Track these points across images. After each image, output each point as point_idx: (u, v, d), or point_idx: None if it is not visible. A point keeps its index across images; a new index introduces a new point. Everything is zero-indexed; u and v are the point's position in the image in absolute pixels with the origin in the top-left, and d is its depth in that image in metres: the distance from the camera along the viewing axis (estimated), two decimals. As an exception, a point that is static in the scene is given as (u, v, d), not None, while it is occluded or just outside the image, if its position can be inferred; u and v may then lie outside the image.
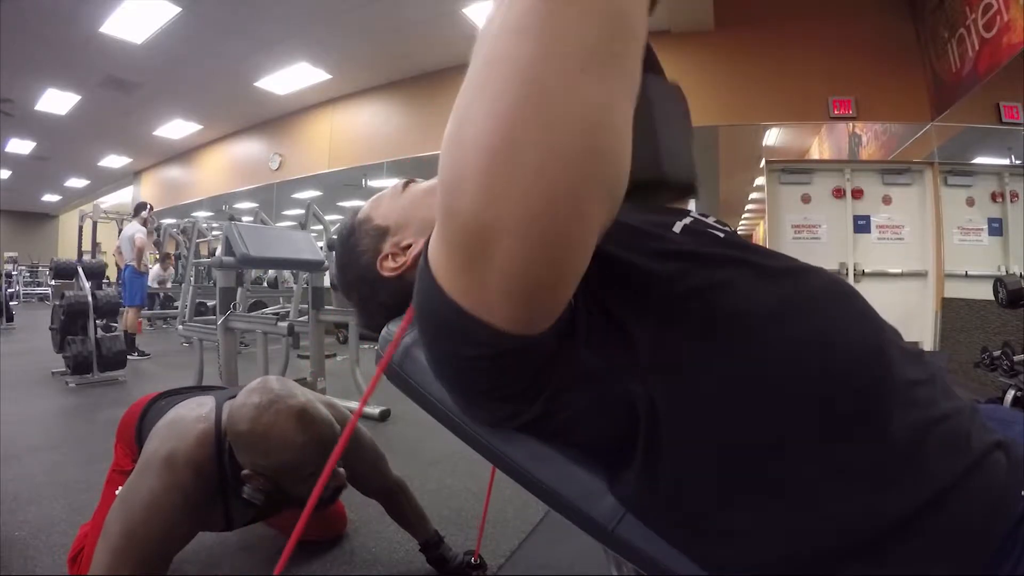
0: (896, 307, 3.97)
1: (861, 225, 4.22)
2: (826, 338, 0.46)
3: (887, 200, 4.23)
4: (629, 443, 0.45)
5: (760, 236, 9.45)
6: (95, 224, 8.92)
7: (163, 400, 1.32)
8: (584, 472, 0.49)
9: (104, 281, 4.77)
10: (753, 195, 8.52)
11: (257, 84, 6.57)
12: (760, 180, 5.62)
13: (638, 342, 0.44)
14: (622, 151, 0.32)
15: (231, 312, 2.95)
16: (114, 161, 9.90)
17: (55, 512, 1.68)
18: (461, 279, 0.37)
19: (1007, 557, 0.39)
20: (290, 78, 6.45)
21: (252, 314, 3.67)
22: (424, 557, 1.41)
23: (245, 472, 1.05)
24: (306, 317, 3.37)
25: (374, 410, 2.87)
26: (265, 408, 1.03)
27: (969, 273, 4.02)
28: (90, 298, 3.75)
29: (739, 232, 0.70)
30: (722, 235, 0.55)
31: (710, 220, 0.58)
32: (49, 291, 11.12)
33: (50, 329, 4.05)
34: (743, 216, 10.48)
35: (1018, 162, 4.16)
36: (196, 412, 1.12)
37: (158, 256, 7.05)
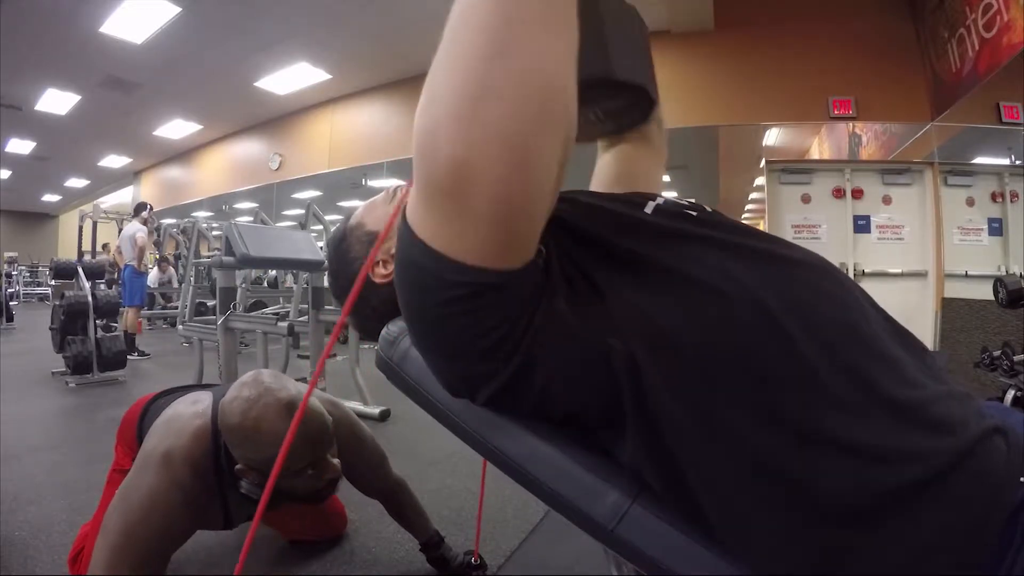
0: (896, 307, 3.89)
1: (861, 225, 4.22)
2: (801, 307, 0.46)
3: (887, 200, 4.23)
4: (615, 408, 0.45)
5: (760, 236, 9.43)
6: (95, 224, 8.92)
7: (163, 399, 1.32)
8: (584, 471, 0.49)
9: (105, 280, 4.77)
10: (753, 195, 8.52)
11: (257, 84, 6.57)
12: (760, 180, 5.63)
13: (611, 303, 0.45)
14: (571, 85, 0.39)
15: (231, 312, 2.95)
16: (114, 161, 9.90)
17: (55, 512, 1.68)
18: (437, 222, 0.41)
19: (1008, 543, 0.39)
20: (290, 78, 6.44)
21: (252, 314, 3.67)
22: (424, 557, 1.41)
23: (239, 467, 1.05)
24: (306, 317, 3.37)
25: (374, 410, 2.87)
26: (254, 401, 1.03)
27: (969, 273, 4.01)
28: (90, 298, 3.75)
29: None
30: (695, 213, 0.55)
31: (683, 202, 0.58)
32: (49, 291, 11.13)
33: (50, 329, 4.05)
34: (743, 216, 10.47)
35: (1018, 162, 4.16)
36: (193, 409, 1.12)
37: (157, 257, 7.05)
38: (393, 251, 0.65)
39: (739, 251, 0.49)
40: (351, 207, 0.76)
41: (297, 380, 1.22)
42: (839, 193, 4.24)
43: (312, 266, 3.13)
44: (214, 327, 3.03)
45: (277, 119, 7.69)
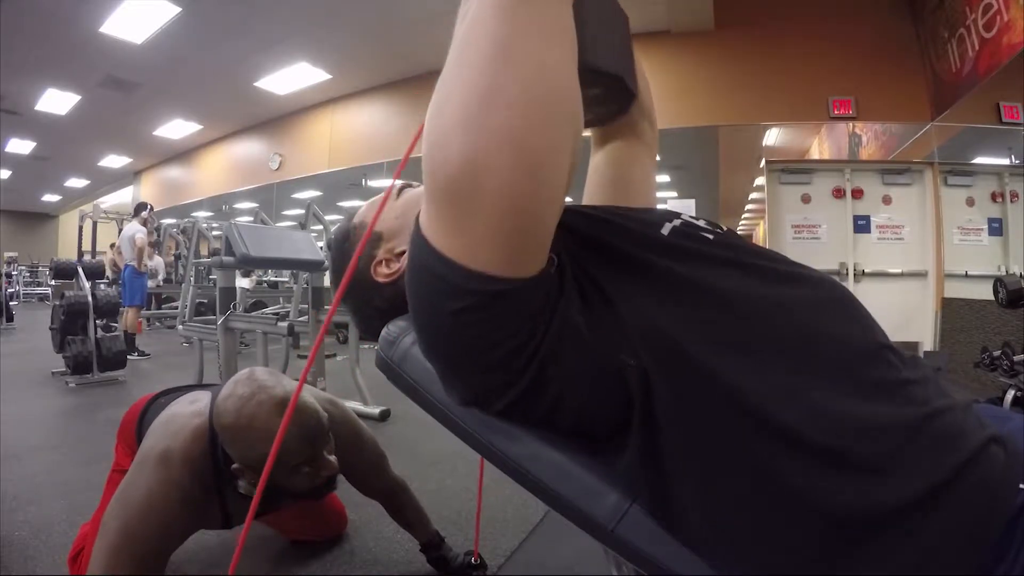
0: (896, 307, 3.97)
1: (861, 225, 4.22)
2: (813, 330, 0.48)
3: (887, 200, 4.23)
4: (624, 423, 0.45)
5: (760, 236, 9.46)
6: (95, 224, 8.92)
7: (163, 399, 1.32)
8: (584, 471, 0.49)
9: (105, 280, 4.77)
10: (753, 195, 8.52)
11: (257, 84, 6.57)
12: (760, 180, 5.62)
13: (626, 319, 0.45)
14: (575, 88, 0.41)
15: (231, 312, 2.95)
16: (114, 161, 9.89)
17: (55, 512, 1.68)
18: (449, 230, 0.41)
19: (1006, 549, 0.39)
20: (290, 78, 6.44)
21: (252, 314, 3.67)
22: (424, 557, 1.41)
23: (235, 466, 1.04)
24: (306, 317, 3.37)
25: (374, 410, 2.87)
26: (248, 399, 1.02)
27: (969, 273, 4.02)
28: (90, 298, 3.75)
29: (739, 232, 0.71)
30: (712, 236, 0.55)
31: (701, 223, 0.58)
32: (49, 291, 11.13)
33: (50, 329, 4.05)
34: (743, 216, 10.48)
35: (1018, 162, 4.16)
36: (191, 408, 1.12)
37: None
38: (397, 250, 0.65)
39: (753, 271, 0.51)
40: (351, 207, 0.76)
41: (295, 379, 1.22)
42: (839, 193, 4.25)
43: (312, 266, 3.13)
44: (214, 327, 3.03)
45: (277, 119, 7.69)
